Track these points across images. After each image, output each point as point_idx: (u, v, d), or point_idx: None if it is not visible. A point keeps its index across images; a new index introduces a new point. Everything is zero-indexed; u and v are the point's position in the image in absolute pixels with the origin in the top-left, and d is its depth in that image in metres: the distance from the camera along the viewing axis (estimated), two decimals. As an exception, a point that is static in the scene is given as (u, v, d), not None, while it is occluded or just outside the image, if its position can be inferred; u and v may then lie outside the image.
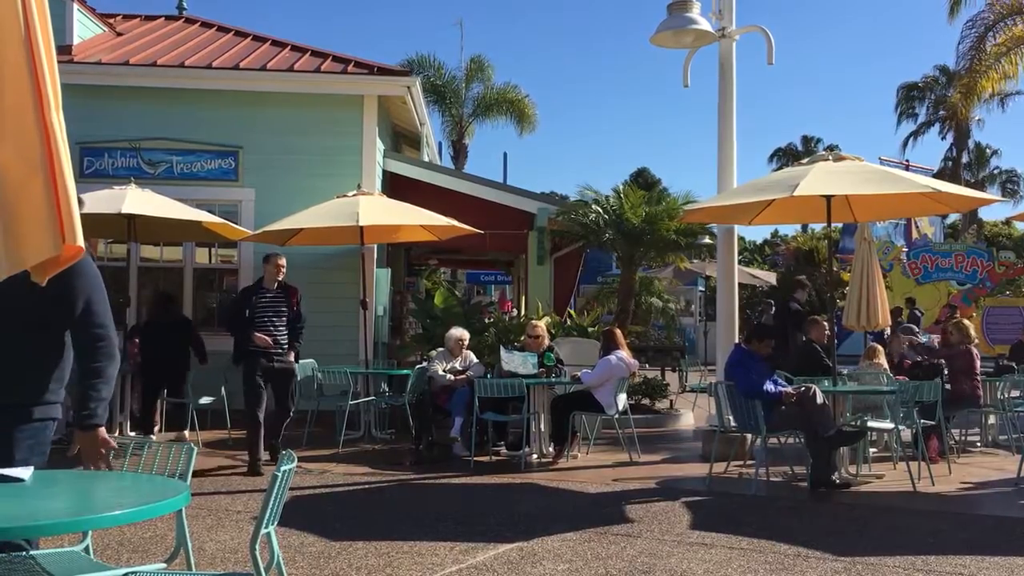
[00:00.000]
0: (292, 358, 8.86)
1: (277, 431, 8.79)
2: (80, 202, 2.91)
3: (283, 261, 8.84)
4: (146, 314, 11.41)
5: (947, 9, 19.93)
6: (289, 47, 13.91)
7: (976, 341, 10.00)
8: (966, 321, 10.23)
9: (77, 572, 3.29)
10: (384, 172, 13.69)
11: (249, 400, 8.57)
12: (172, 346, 10.33)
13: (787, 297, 12.95)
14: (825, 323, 10.08)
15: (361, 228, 10.45)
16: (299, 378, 9.32)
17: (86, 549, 3.66)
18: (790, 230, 34.75)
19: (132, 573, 3.40)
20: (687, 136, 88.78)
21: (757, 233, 45.38)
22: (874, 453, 9.09)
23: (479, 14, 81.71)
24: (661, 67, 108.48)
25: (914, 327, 11.32)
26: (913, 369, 10.00)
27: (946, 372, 9.66)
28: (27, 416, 3.35)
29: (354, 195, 10.64)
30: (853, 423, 8.41)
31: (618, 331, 9.91)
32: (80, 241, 2.86)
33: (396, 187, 13.45)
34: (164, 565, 3.60)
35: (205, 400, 10.25)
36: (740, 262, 17.25)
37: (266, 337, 8.53)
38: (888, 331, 12.92)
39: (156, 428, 10.30)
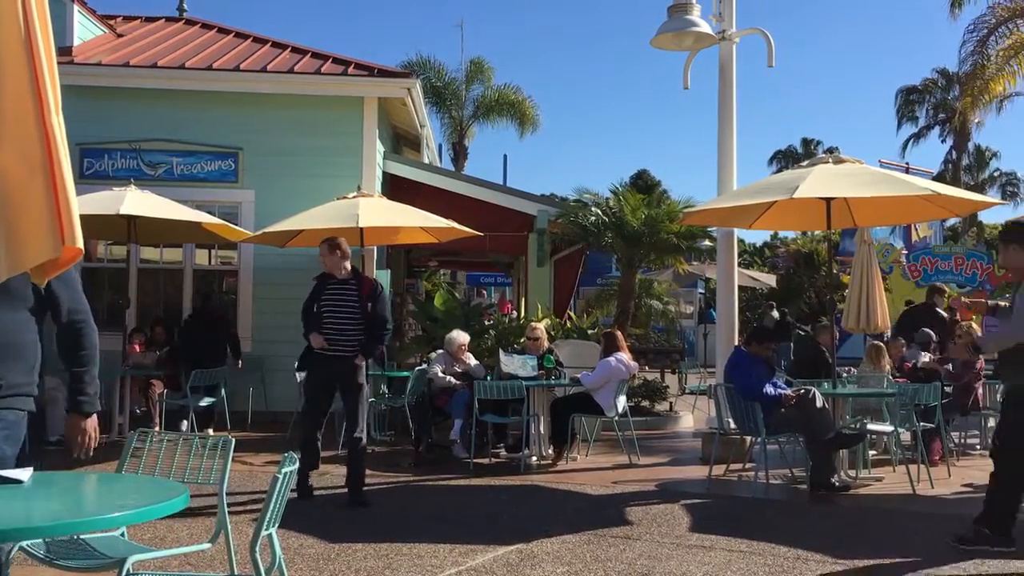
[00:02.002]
0: (359, 365, 7.26)
1: (354, 475, 7.17)
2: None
3: (345, 246, 7.27)
4: (191, 309, 12.01)
5: (947, 8, 19.96)
6: (289, 49, 13.91)
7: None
8: (974, 325, 10.19)
9: (125, 553, 3.38)
10: (384, 174, 13.69)
11: (302, 415, 7.59)
12: (209, 338, 10.81)
13: (929, 303, 12.27)
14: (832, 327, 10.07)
15: (361, 230, 10.44)
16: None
17: (122, 534, 3.76)
18: (790, 232, 34.76)
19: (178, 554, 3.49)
20: (687, 138, 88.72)
21: (757, 235, 45.33)
22: (873, 456, 9.08)
23: (480, 16, 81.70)
24: (661, 69, 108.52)
25: (931, 333, 11.24)
26: (913, 372, 9.99)
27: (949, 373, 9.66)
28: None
29: (354, 197, 10.64)
30: (852, 426, 8.41)
31: (618, 333, 9.91)
32: (80, 243, 2.86)
33: (396, 189, 13.45)
34: (210, 545, 3.64)
35: (206, 401, 10.26)
36: (740, 264, 17.24)
37: (319, 336, 7.15)
38: (889, 334, 12.88)
39: (156, 428, 10.31)
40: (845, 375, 9.88)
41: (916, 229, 25.90)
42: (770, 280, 27.44)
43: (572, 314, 14.52)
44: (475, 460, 8.92)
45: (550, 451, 9.17)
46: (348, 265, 7.29)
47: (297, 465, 3.55)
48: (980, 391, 9.71)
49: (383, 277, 13.02)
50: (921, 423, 8.45)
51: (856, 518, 6.88)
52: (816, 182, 7.89)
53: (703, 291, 27.54)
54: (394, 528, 6.29)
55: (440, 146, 26.73)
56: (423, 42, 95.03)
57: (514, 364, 9.25)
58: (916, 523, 6.69)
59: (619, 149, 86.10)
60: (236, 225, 11.38)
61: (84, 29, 13.61)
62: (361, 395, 7.26)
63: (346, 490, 7.16)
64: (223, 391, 10.66)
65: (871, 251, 11.13)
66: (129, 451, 3.92)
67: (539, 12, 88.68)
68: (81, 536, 3.45)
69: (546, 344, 9.77)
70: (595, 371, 9.19)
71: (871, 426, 8.55)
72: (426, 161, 17.09)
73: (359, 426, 7.18)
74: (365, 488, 7.24)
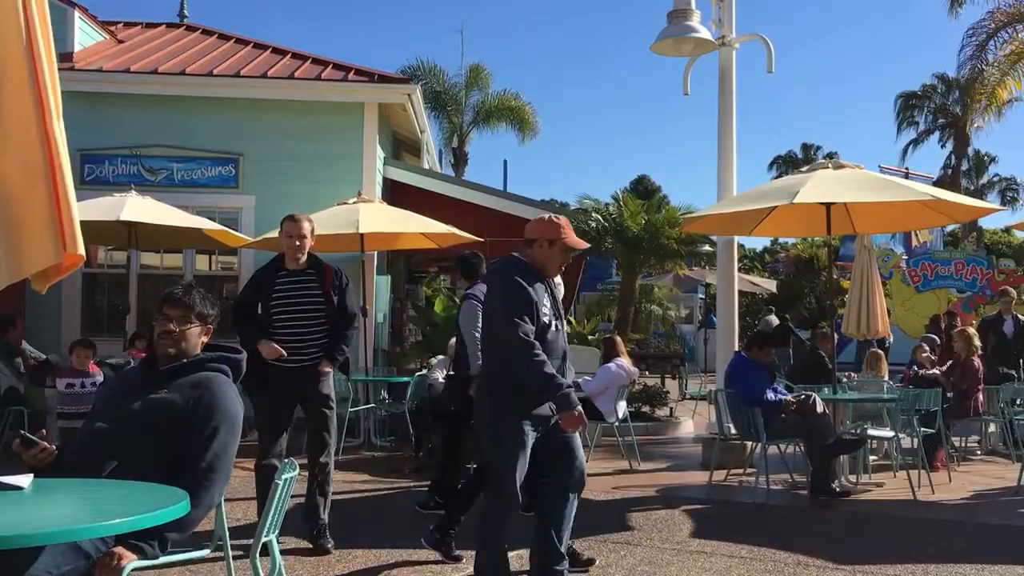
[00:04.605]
0: (327, 374, 5.80)
1: (314, 507, 5.78)
2: None
3: (306, 227, 5.82)
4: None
5: (947, 9, 19.98)
6: (290, 55, 13.93)
7: (980, 351, 9.93)
8: (970, 330, 10.18)
9: None
10: (384, 179, 13.69)
11: (262, 433, 5.79)
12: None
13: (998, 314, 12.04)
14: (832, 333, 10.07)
15: (361, 235, 10.45)
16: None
17: None
18: (790, 238, 34.76)
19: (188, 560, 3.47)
20: (687, 144, 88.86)
21: (757, 241, 45.45)
22: (874, 461, 9.08)
23: (479, 20, 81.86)
24: (661, 75, 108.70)
25: (935, 338, 11.22)
26: (915, 377, 9.99)
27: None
28: None
29: (354, 202, 10.65)
30: (853, 431, 8.40)
31: (619, 339, 9.91)
32: (81, 249, 2.87)
33: (396, 194, 13.46)
34: (208, 551, 3.63)
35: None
36: (740, 269, 17.24)
37: (275, 346, 5.62)
38: (891, 339, 12.86)
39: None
40: (845, 380, 9.88)
41: (916, 234, 25.87)
42: (770, 285, 27.47)
43: (572, 319, 14.52)
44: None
45: (550, 457, 9.14)
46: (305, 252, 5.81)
47: (296, 472, 3.54)
48: (981, 397, 9.69)
49: (383, 283, 13.04)
50: (922, 428, 8.45)
51: (857, 524, 6.87)
52: (816, 187, 7.90)
53: (703, 296, 27.55)
54: (394, 534, 6.27)
55: (440, 152, 26.74)
56: (423, 45, 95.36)
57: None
58: (917, 529, 6.68)
59: (619, 154, 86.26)
60: (236, 231, 11.39)
61: (85, 35, 13.63)
62: (330, 410, 5.78)
63: (305, 522, 5.76)
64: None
65: (871, 256, 11.13)
66: None
67: (539, 16, 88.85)
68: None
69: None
70: (595, 376, 9.19)
71: (872, 431, 8.54)
72: (426, 167, 17.10)
73: (327, 449, 5.77)
74: (371, 494, 6.90)
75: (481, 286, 6.32)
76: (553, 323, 4.64)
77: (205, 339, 3.71)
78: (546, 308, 4.60)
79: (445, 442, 7.11)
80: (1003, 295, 12.34)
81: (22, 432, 3.38)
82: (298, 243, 5.75)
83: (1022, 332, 11.38)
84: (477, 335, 6.94)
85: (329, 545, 5.67)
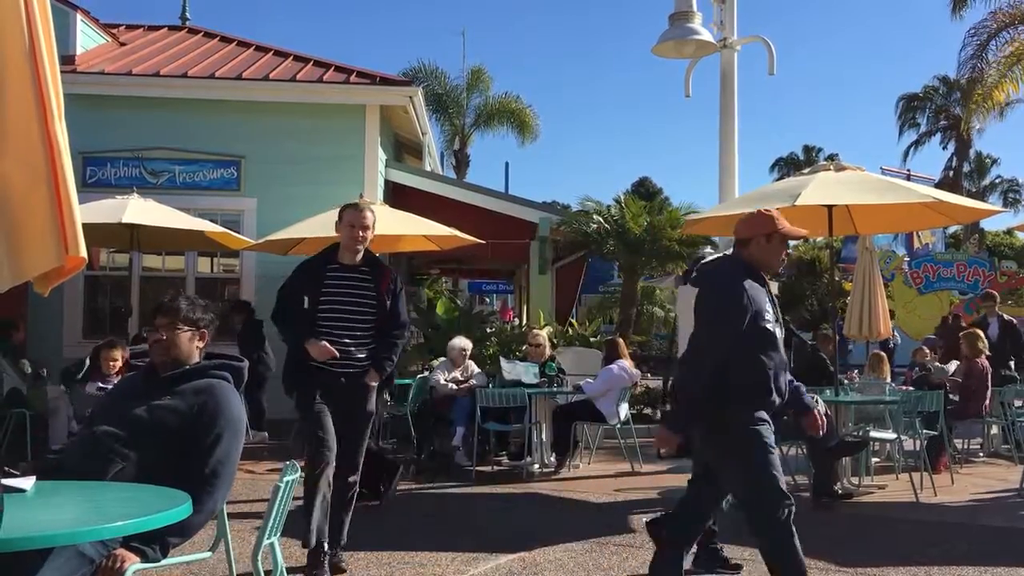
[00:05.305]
0: (371, 382, 5.21)
1: (339, 511, 5.19)
2: None
3: (370, 217, 5.31)
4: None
5: (949, 11, 19.97)
6: (291, 57, 13.95)
7: (987, 353, 9.91)
8: (978, 331, 10.17)
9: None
10: (386, 181, 13.71)
11: (308, 450, 5.16)
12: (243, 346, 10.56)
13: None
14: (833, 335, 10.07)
15: (363, 237, 10.44)
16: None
17: None
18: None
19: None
20: (688, 145, 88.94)
21: (759, 242, 45.31)
22: (876, 463, 9.06)
23: (481, 22, 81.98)
24: (662, 77, 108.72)
25: (936, 339, 11.22)
26: (918, 379, 9.98)
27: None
28: None
29: (356, 204, 10.64)
30: (855, 433, 8.39)
31: (621, 341, 9.92)
32: (83, 252, 2.86)
33: (398, 196, 13.46)
34: (210, 554, 3.64)
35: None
36: (742, 271, 17.18)
37: (327, 346, 5.07)
38: (897, 340, 12.84)
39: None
40: (847, 382, 9.87)
41: (919, 236, 25.87)
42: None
43: (574, 321, 14.52)
44: (477, 468, 8.90)
45: (552, 459, 9.15)
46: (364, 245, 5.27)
47: (299, 474, 3.54)
48: (987, 399, 9.66)
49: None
50: (924, 430, 8.44)
51: (859, 526, 6.86)
52: (818, 189, 7.89)
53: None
54: (396, 536, 6.27)
55: (442, 154, 26.76)
56: (424, 49, 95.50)
57: (516, 371, 9.25)
58: (919, 531, 6.67)
59: (620, 156, 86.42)
60: (238, 233, 11.39)
61: (87, 38, 13.65)
62: (368, 427, 5.31)
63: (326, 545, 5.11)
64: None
65: (873, 258, 11.12)
66: None
67: (540, 18, 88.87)
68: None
69: (548, 351, 9.77)
70: (597, 379, 9.19)
71: (874, 433, 8.52)
72: (428, 169, 17.12)
73: (358, 470, 5.29)
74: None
75: None
76: (776, 330, 4.24)
77: (201, 344, 3.73)
78: (769, 315, 4.21)
79: None
80: (987, 298, 12.42)
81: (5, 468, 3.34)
82: (361, 235, 5.18)
83: (1007, 332, 11.41)
84: None
85: (344, 565, 5.29)
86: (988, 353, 9.90)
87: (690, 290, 6.07)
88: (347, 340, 5.13)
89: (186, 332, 3.68)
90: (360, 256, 5.25)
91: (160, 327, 3.68)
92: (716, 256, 4.74)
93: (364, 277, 5.21)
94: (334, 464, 5.05)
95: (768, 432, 4.19)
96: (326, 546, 5.06)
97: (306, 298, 5.13)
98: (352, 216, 5.24)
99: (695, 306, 4.36)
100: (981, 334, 9.99)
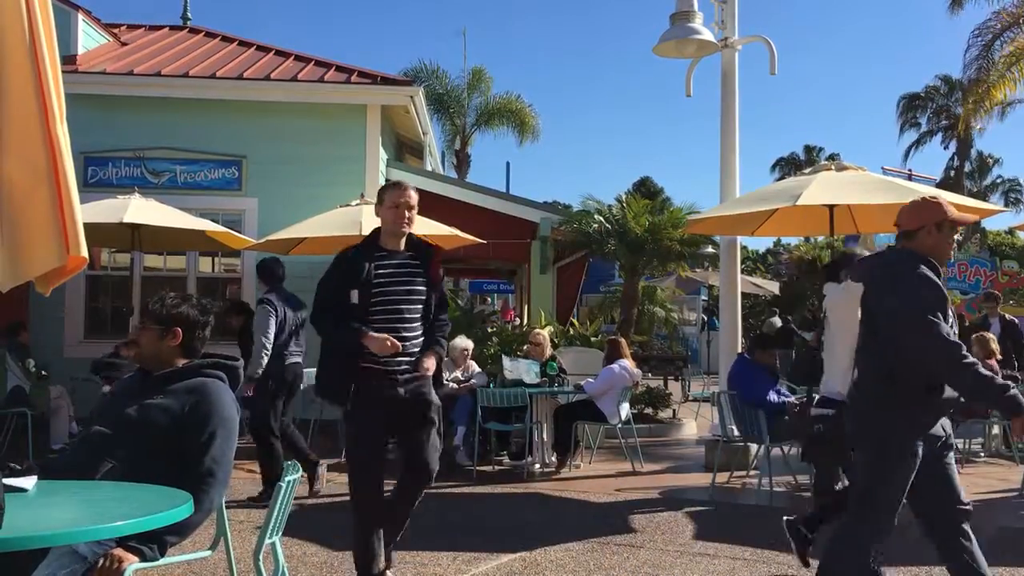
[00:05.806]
0: (429, 368, 4.73)
1: (400, 520, 4.89)
2: None
3: (414, 195, 4.79)
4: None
5: (946, 9, 19.97)
6: (293, 57, 13.95)
7: (998, 356, 9.88)
8: (987, 333, 10.16)
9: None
10: (387, 181, 13.71)
11: (358, 467, 4.87)
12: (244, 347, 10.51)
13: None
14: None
15: (364, 237, 10.44)
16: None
17: None
18: (793, 239, 34.74)
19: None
20: (690, 145, 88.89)
21: (760, 242, 45.46)
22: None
23: (481, 22, 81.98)
24: (663, 76, 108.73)
25: None
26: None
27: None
28: None
29: (357, 204, 10.65)
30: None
31: (622, 340, 9.92)
32: (84, 251, 2.87)
33: (399, 196, 13.44)
34: (210, 552, 3.64)
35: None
36: (743, 271, 17.23)
37: (389, 338, 4.54)
38: None
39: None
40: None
41: (920, 236, 25.74)
42: (773, 287, 27.43)
43: (575, 321, 14.51)
44: (478, 467, 8.91)
45: (553, 458, 9.16)
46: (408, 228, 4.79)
47: (300, 475, 3.54)
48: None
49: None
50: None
51: (860, 526, 6.85)
52: (819, 189, 7.89)
53: (706, 299, 27.52)
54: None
55: (443, 153, 26.75)
56: (425, 49, 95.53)
57: (518, 370, 9.25)
58: (920, 531, 6.65)
59: (622, 156, 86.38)
60: (240, 233, 11.40)
61: (88, 38, 13.66)
62: (436, 421, 4.85)
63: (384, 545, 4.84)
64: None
65: (874, 258, 11.06)
66: None
67: (541, 18, 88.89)
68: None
69: (549, 351, 9.77)
70: (598, 378, 9.19)
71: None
72: (429, 168, 17.11)
73: (433, 472, 4.85)
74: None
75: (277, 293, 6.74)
76: (955, 327, 3.90)
77: (174, 343, 3.65)
78: (951, 309, 3.89)
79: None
80: (989, 298, 12.43)
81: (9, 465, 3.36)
82: (408, 215, 4.69)
83: (1009, 333, 11.42)
84: (265, 340, 7.29)
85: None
86: (1000, 356, 9.90)
87: (843, 288, 5.97)
88: (405, 333, 4.62)
89: (151, 330, 3.65)
90: (404, 241, 4.79)
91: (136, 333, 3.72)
92: (872, 252, 4.49)
93: (413, 262, 4.77)
94: (381, 498, 4.77)
95: (919, 447, 3.93)
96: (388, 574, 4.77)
97: (355, 292, 4.58)
98: (395, 195, 4.71)
99: (872, 301, 4.00)
100: (992, 336, 10.01)
